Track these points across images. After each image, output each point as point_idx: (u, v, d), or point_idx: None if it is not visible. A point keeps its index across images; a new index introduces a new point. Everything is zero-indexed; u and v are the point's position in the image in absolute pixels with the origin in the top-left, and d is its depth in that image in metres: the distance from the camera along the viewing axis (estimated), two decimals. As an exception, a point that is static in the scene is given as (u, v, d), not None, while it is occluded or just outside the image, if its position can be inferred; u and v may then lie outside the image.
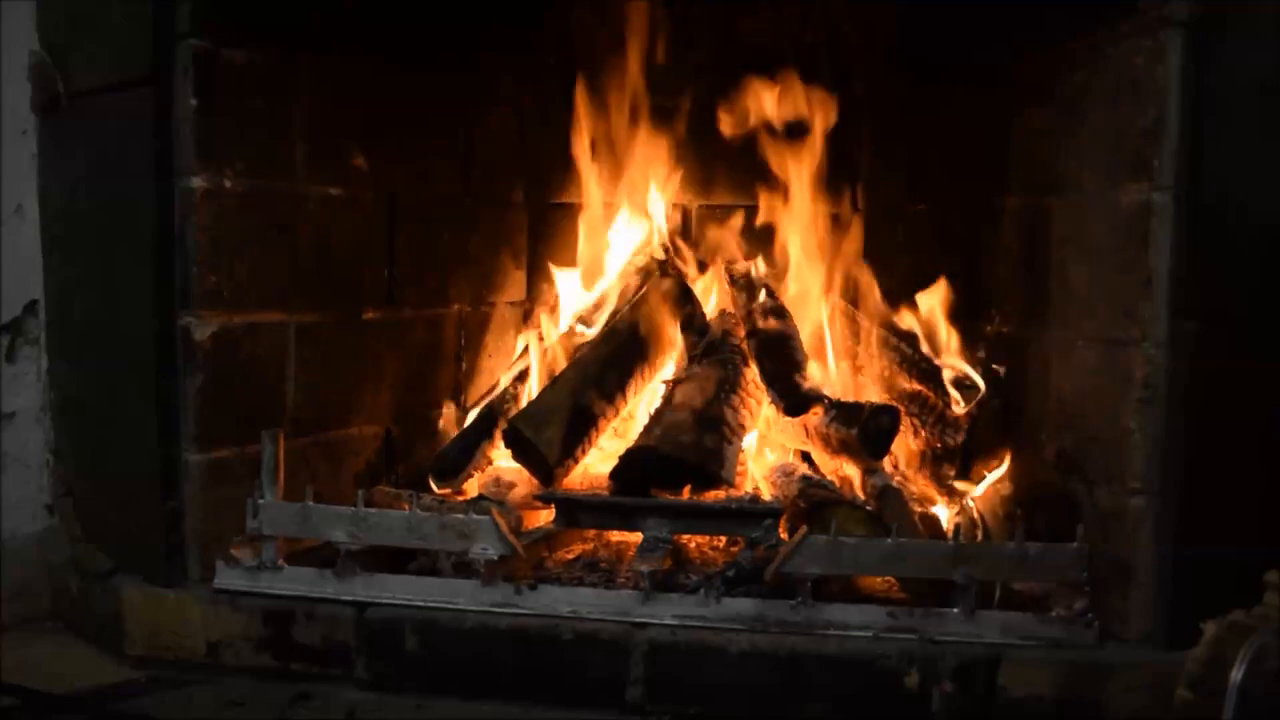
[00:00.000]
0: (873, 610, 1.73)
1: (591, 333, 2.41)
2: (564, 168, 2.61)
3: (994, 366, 2.09)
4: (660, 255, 2.54)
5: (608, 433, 2.28)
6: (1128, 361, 1.69)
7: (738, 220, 2.59)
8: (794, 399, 2.12)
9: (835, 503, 1.93)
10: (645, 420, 2.21)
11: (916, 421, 2.15)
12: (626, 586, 1.81)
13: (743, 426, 2.17)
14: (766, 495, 2.08)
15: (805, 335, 2.36)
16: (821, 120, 2.46)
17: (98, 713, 1.71)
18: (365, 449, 2.20)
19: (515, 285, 2.66)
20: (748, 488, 2.15)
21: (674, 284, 2.40)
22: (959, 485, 2.08)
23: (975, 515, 2.06)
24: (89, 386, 2.05)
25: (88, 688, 1.78)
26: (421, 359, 2.35)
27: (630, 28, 2.45)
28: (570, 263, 2.62)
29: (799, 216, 2.53)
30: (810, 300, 2.49)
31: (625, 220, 2.60)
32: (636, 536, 1.91)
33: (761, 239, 2.56)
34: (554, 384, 2.20)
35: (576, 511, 1.94)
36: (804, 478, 2.09)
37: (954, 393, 2.10)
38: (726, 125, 2.52)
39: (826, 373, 2.40)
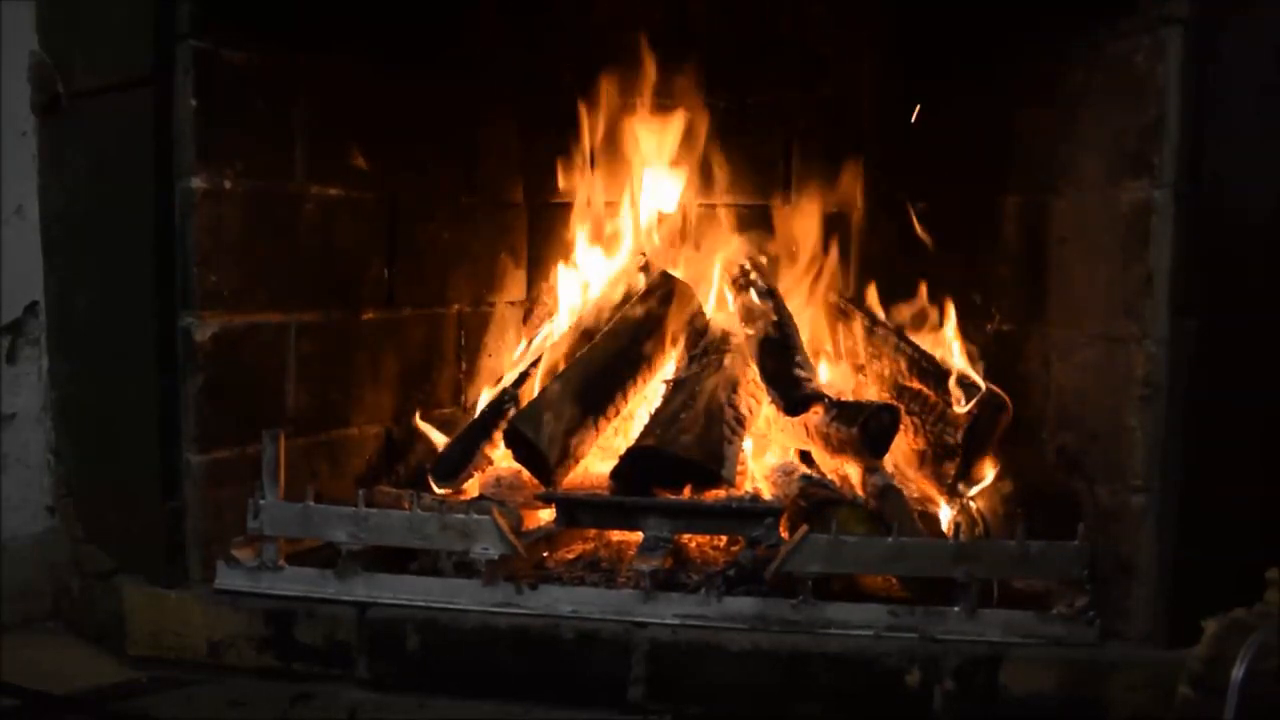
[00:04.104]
0: (874, 609, 1.73)
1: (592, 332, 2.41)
2: (564, 167, 2.61)
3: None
4: (660, 255, 2.54)
5: (608, 432, 2.28)
6: (1128, 359, 1.69)
7: (738, 219, 2.60)
8: (794, 399, 2.12)
9: (836, 502, 1.93)
10: (645, 420, 2.20)
11: (917, 420, 2.15)
12: (627, 586, 1.81)
13: (743, 426, 2.17)
14: (767, 494, 2.08)
15: (805, 335, 2.36)
16: (822, 119, 2.46)
17: (99, 713, 1.71)
18: (366, 449, 2.20)
19: (515, 285, 2.66)
20: (748, 487, 2.15)
21: (674, 283, 2.40)
22: (959, 484, 2.07)
23: (975, 514, 2.06)
24: (90, 387, 2.05)
25: (89, 688, 1.78)
26: (422, 358, 2.35)
27: (630, 27, 2.45)
28: (570, 263, 2.62)
29: (799, 215, 2.53)
30: (810, 300, 2.50)
31: (625, 220, 2.60)
32: (637, 536, 1.91)
33: (762, 238, 2.56)
34: (554, 383, 2.20)
35: (577, 511, 1.94)
36: (804, 477, 2.09)
37: (955, 391, 2.10)
38: (727, 124, 2.52)
39: (826, 372, 2.40)
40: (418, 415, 2.32)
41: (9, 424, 2.10)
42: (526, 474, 2.14)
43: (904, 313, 2.33)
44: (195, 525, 1.87)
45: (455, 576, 1.82)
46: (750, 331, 2.29)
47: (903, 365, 2.24)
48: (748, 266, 2.49)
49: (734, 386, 2.19)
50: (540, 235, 2.68)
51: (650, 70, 2.50)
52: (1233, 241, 1.64)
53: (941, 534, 1.98)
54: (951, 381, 2.11)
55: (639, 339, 2.30)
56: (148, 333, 1.86)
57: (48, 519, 2.14)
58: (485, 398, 2.40)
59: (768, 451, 2.31)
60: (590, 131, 2.55)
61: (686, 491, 2.00)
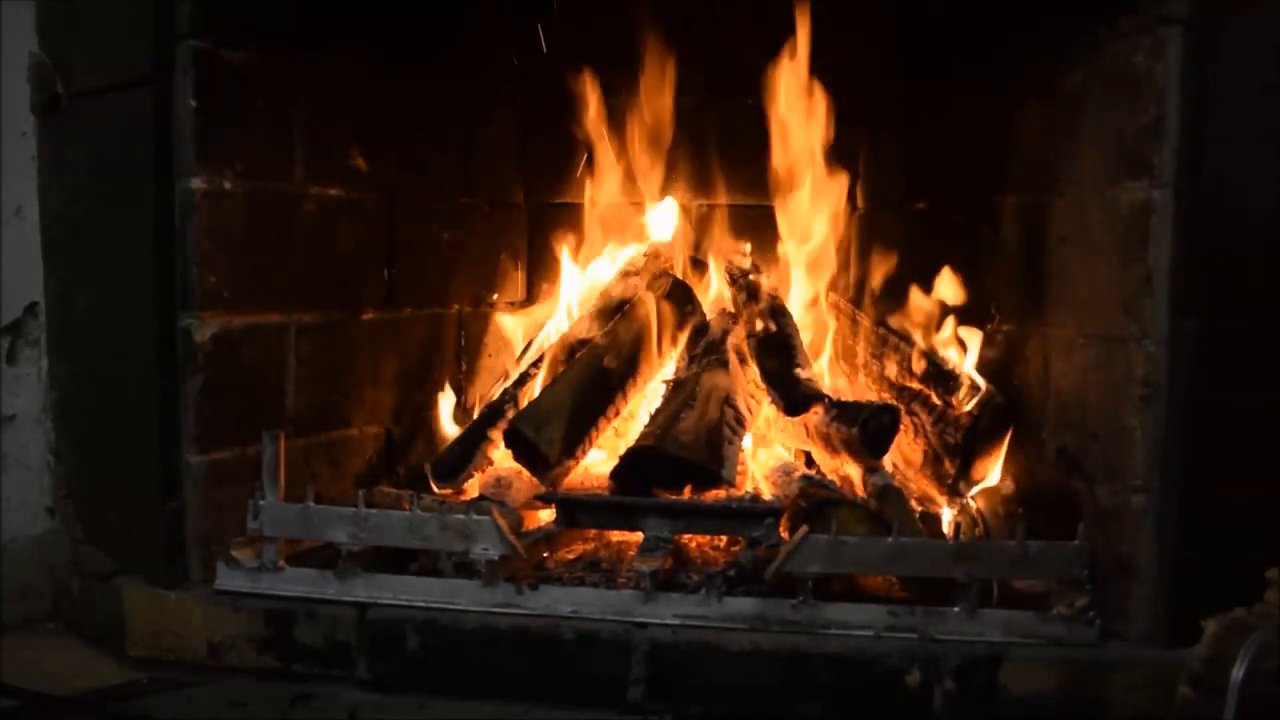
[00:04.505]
0: (874, 609, 1.73)
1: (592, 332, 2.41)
2: (564, 168, 2.61)
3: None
4: (660, 255, 2.54)
5: (608, 432, 2.28)
6: (1128, 359, 1.69)
7: (737, 220, 2.59)
8: (794, 399, 2.12)
9: (836, 502, 1.93)
10: (645, 420, 2.20)
11: (917, 421, 2.15)
12: (627, 586, 1.81)
13: (743, 426, 2.17)
14: (767, 495, 2.08)
15: (805, 335, 2.36)
16: (821, 118, 2.46)
17: (99, 714, 1.71)
18: (366, 449, 2.20)
19: (515, 285, 2.66)
20: (748, 487, 2.15)
21: (674, 284, 2.40)
22: (959, 484, 2.07)
23: (975, 514, 2.06)
24: (90, 388, 2.05)
25: (89, 689, 1.78)
26: (421, 359, 2.35)
27: (630, 27, 2.45)
28: (570, 263, 2.62)
29: (799, 215, 2.53)
30: (810, 300, 2.50)
31: (625, 220, 2.60)
32: (637, 536, 1.92)
33: (761, 238, 2.56)
34: (554, 384, 2.20)
35: (577, 511, 1.94)
36: (804, 477, 2.09)
37: (958, 392, 2.10)
38: (727, 124, 2.52)
39: (826, 372, 2.40)
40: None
41: (9, 425, 2.10)
42: (527, 474, 2.14)
43: (904, 312, 2.33)
44: (195, 526, 1.87)
45: (455, 577, 1.82)
46: (750, 331, 2.29)
47: (902, 365, 2.24)
48: (748, 266, 2.49)
49: (734, 386, 2.19)
50: (540, 236, 2.68)
51: (650, 71, 2.49)
52: (1233, 241, 1.64)
53: (941, 534, 1.98)
54: (952, 382, 2.11)
55: (639, 339, 2.30)
56: (148, 333, 1.86)
57: (48, 520, 2.15)
58: (485, 398, 2.40)
59: (768, 451, 2.31)
60: (590, 132, 2.55)
61: (686, 492, 2.00)
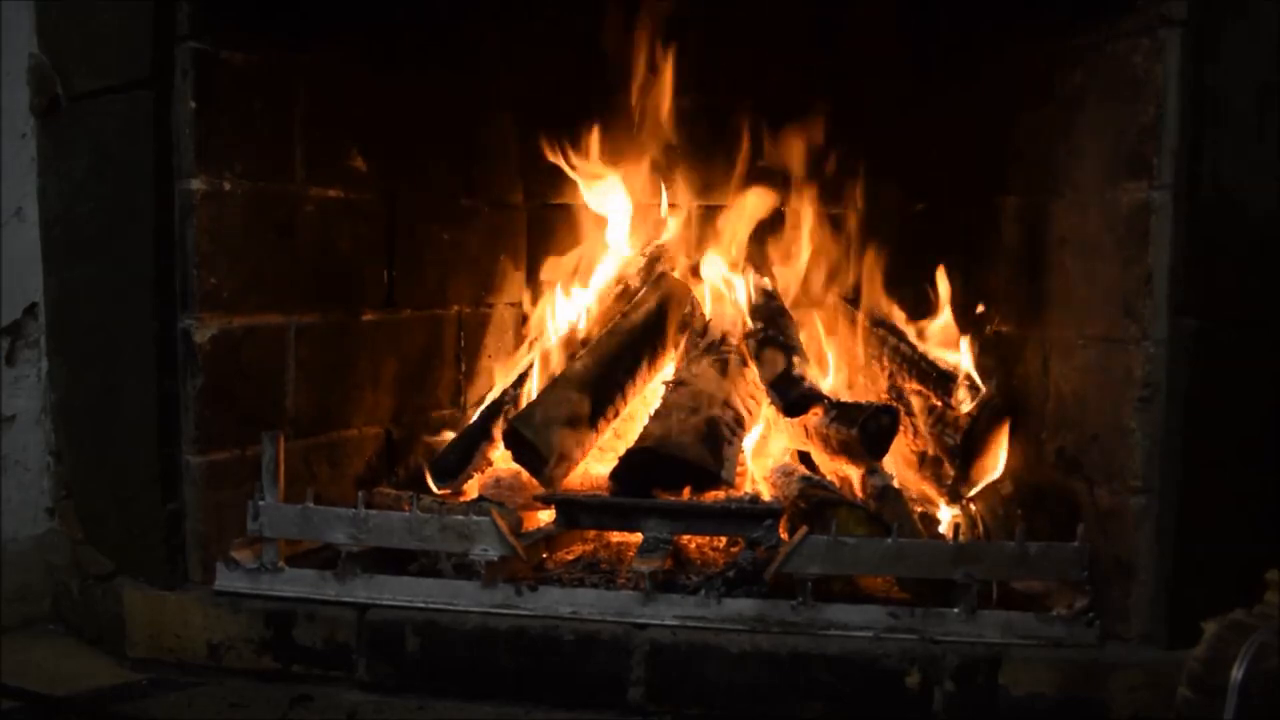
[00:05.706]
0: (873, 610, 1.73)
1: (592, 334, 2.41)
2: (563, 168, 2.60)
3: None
4: (660, 256, 2.54)
5: (608, 433, 2.28)
6: (1127, 360, 1.69)
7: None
8: (793, 399, 2.12)
9: (835, 503, 1.93)
10: (645, 421, 2.20)
11: (916, 422, 2.15)
12: (627, 587, 1.81)
13: (742, 427, 2.17)
14: (766, 496, 2.08)
15: (805, 335, 2.36)
16: (821, 120, 2.46)
17: (99, 714, 1.71)
18: (365, 450, 2.20)
19: (515, 286, 2.66)
20: (748, 488, 2.15)
21: (674, 285, 2.40)
22: (958, 485, 2.07)
23: (975, 515, 2.06)
24: (89, 389, 2.05)
25: (89, 690, 1.78)
26: (421, 360, 2.35)
27: (629, 28, 2.45)
28: (569, 264, 2.62)
29: (798, 216, 2.53)
30: (810, 300, 2.50)
31: (625, 221, 2.60)
32: (637, 537, 1.92)
33: (761, 239, 2.56)
34: (554, 385, 2.20)
35: (577, 512, 1.94)
36: (804, 478, 2.09)
37: (955, 392, 2.10)
38: (726, 125, 2.52)
39: (826, 373, 2.40)
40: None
41: (8, 426, 2.10)
42: (526, 475, 2.14)
43: (903, 314, 2.33)
44: (195, 527, 1.87)
45: (455, 578, 1.82)
46: (750, 332, 2.29)
47: (901, 366, 2.24)
48: (748, 268, 2.49)
49: (734, 387, 2.19)
50: (539, 237, 2.68)
51: (650, 71, 2.49)
52: (1232, 241, 1.64)
53: (941, 535, 1.98)
54: (952, 383, 2.11)
55: (638, 340, 2.30)
56: (147, 334, 1.86)
57: (48, 521, 2.15)
58: (485, 399, 2.40)
59: (767, 452, 2.31)
60: (590, 133, 2.55)
61: (686, 493, 2.00)
